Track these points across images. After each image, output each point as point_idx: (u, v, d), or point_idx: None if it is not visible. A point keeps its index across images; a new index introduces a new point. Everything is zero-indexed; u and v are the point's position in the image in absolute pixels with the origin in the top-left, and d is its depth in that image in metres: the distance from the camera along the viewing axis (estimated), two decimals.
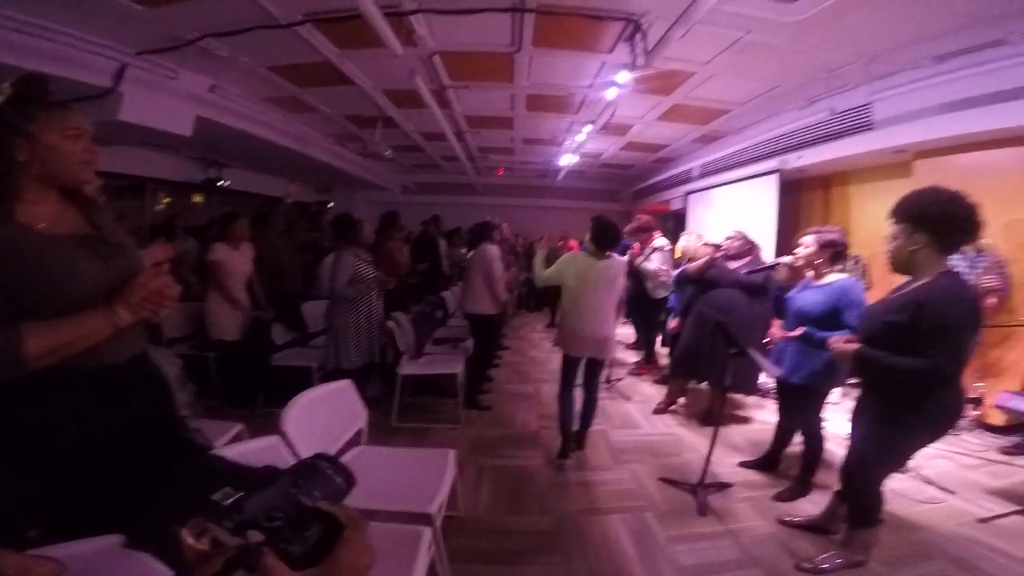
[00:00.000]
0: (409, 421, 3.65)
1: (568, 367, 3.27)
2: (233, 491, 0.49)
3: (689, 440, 3.57)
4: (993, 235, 3.70)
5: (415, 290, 5.27)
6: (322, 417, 2.01)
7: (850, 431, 2.19)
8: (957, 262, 3.58)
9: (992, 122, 3.77)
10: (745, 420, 4.02)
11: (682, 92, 5.34)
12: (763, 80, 4.91)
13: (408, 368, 3.72)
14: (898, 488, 2.90)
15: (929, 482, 3.03)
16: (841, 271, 2.67)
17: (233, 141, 6.12)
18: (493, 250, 4.03)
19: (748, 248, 3.80)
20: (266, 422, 1.77)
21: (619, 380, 4.82)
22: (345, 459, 2.10)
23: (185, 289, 1.33)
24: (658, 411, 4.08)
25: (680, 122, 6.62)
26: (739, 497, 2.79)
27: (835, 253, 2.65)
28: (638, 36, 3.78)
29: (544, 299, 8.30)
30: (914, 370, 1.81)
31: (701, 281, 3.77)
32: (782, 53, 4.15)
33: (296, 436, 1.71)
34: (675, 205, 9.40)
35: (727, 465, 3.16)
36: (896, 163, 4.89)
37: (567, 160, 8.68)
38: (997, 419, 3.72)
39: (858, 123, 4.87)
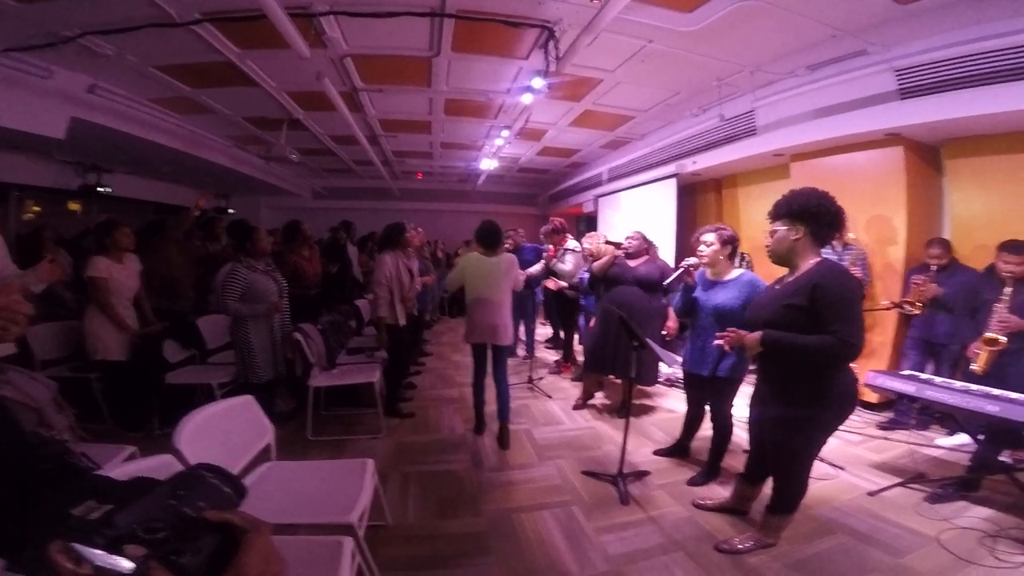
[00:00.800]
0: (326, 434, 3.51)
1: (476, 356, 3.65)
2: (98, 504, 0.45)
3: (607, 433, 3.71)
4: (857, 230, 4.23)
5: (325, 299, 5.09)
6: (221, 433, 1.88)
7: (753, 421, 2.36)
8: (827, 254, 4.03)
9: (854, 127, 4.22)
10: (653, 409, 4.26)
11: (591, 99, 5.57)
12: (663, 88, 5.22)
13: (319, 380, 3.58)
14: None
15: (821, 459, 3.23)
16: (739, 266, 2.91)
17: (115, 144, 5.58)
18: (387, 259, 3.93)
19: (646, 247, 4.04)
20: (164, 444, 1.63)
21: (540, 379, 4.93)
22: (253, 477, 2.02)
23: (60, 307, 1.19)
24: (577, 407, 4.23)
25: (590, 128, 6.91)
26: (656, 484, 2.95)
27: (733, 249, 2.87)
28: (551, 43, 3.89)
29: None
30: (825, 346, 1.96)
31: (605, 279, 3.96)
32: (680, 62, 4.43)
33: (192, 454, 1.58)
34: (587, 208, 9.75)
35: (643, 454, 3.34)
36: (775, 166, 5.39)
37: (487, 164, 8.73)
38: (872, 397, 4.17)
39: (743, 129, 5.31)
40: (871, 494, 2.91)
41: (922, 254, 3.91)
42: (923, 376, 3.10)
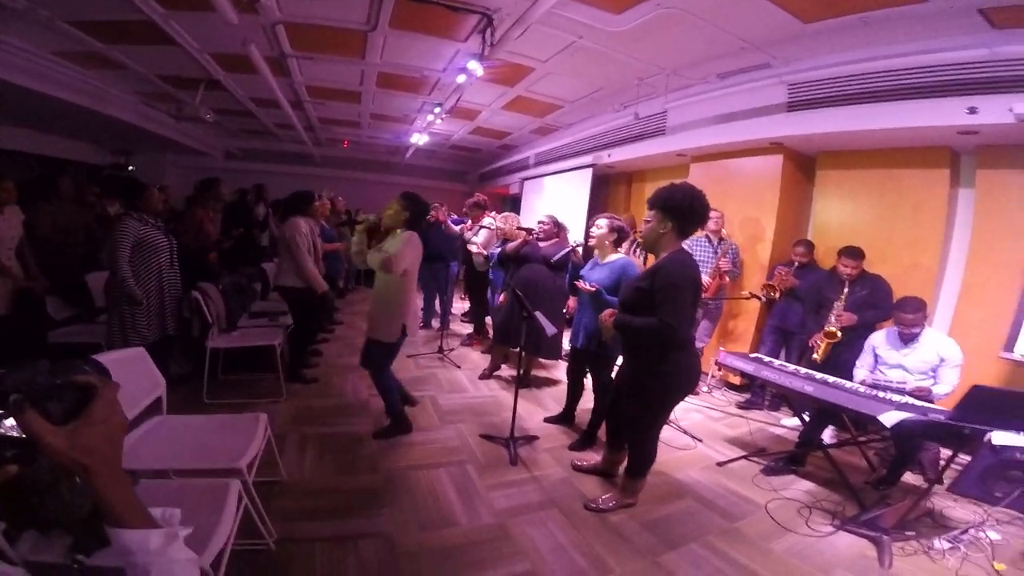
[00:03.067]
0: (223, 398, 3.45)
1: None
2: None
3: (509, 401, 3.83)
4: (732, 227, 4.75)
5: (227, 260, 4.95)
6: None
7: (618, 394, 2.65)
8: (704, 246, 4.54)
9: (746, 134, 4.70)
10: (555, 382, 4.58)
11: (524, 85, 5.77)
12: (589, 82, 5.49)
13: (218, 341, 3.54)
14: (663, 436, 3.46)
15: (684, 431, 3.74)
16: (625, 252, 3.23)
17: (2, 95, 5.14)
18: (300, 224, 3.92)
19: (556, 231, 4.31)
20: None
21: (452, 350, 5.13)
22: (141, 430, 2.08)
23: None
24: (483, 376, 4.49)
25: (521, 113, 7.11)
26: (543, 448, 3.25)
27: (619, 237, 3.18)
28: (489, 29, 4.04)
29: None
30: (650, 327, 2.21)
31: (517, 259, 4.20)
32: (606, 59, 4.67)
33: None
34: (514, 189, 10.00)
35: (536, 421, 3.66)
36: (678, 165, 5.84)
37: (417, 139, 8.75)
38: (736, 379, 4.73)
39: (655, 128, 5.70)
40: (719, 464, 3.30)
41: (786, 253, 4.48)
42: (765, 359, 3.52)
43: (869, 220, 4.36)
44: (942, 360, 3.08)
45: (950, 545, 2.55)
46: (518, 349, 3.37)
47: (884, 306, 3.52)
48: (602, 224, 3.20)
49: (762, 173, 4.84)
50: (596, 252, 3.27)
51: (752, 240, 4.89)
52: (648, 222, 2.40)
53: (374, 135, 9.77)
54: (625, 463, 2.70)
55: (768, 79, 4.44)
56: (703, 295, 4.24)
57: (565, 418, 3.65)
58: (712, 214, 4.41)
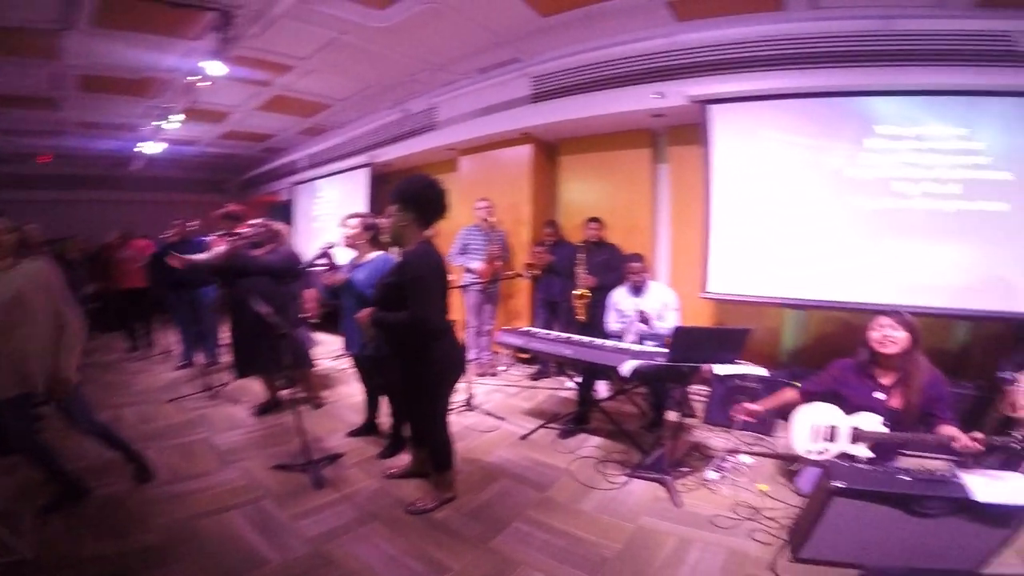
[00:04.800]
0: None
1: None
2: None
3: (293, 427, 3.58)
4: (500, 214, 5.21)
5: None
6: None
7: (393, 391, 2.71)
8: (477, 235, 4.92)
9: (501, 126, 5.23)
10: (347, 393, 4.45)
11: (283, 84, 5.55)
12: (358, 79, 5.50)
13: None
14: (468, 424, 3.77)
15: (488, 414, 3.96)
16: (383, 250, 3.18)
17: None
18: None
19: (272, 233, 3.92)
20: None
21: (225, 385, 4.55)
22: None
23: None
24: (263, 408, 4.03)
25: (284, 113, 6.85)
26: (351, 464, 3.14)
27: (375, 235, 3.19)
28: (228, 27, 3.77)
29: (128, 314, 6.49)
30: (404, 321, 2.26)
31: (229, 271, 3.77)
32: (374, 56, 4.73)
33: None
34: (285, 196, 9.53)
35: (338, 438, 3.53)
36: (448, 159, 6.20)
37: (148, 147, 7.73)
38: (526, 353, 5.12)
39: (426, 124, 5.99)
40: (522, 438, 3.52)
41: (542, 233, 5.12)
42: (534, 331, 3.90)
43: (600, 196, 5.29)
44: (665, 305, 3.89)
45: (717, 474, 2.93)
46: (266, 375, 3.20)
47: (619, 268, 4.25)
48: (353, 223, 3.20)
49: (517, 162, 5.46)
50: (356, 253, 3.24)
51: (516, 224, 5.47)
52: (391, 215, 2.42)
53: (86, 146, 8.29)
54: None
55: (517, 73, 4.99)
56: (481, 281, 4.64)
57: (369, 428, 3.58)
58: (480, 204, 4.85)
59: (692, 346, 2.79)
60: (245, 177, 11.23)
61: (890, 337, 2.55)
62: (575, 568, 2.19)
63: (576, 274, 4.59)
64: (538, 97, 5.00)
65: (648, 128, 4.94)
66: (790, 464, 2.99)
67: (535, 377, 5.07)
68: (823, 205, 3.86)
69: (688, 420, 3.89)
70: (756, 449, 3.38)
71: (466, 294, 5.01)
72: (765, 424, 3.57)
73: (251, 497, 2.77)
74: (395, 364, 2.56)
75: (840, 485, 1.97)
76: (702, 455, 3.25)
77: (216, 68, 4.20)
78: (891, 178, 3.63)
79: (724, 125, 4.11)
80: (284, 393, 4.14)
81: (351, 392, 4.51)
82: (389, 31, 4.24)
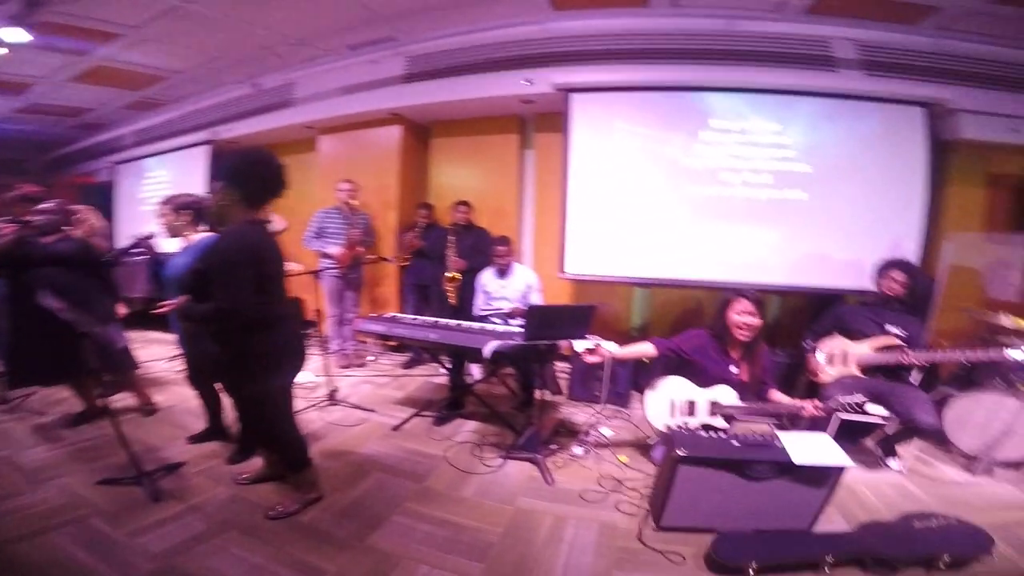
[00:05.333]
0: None
1: None
2: None
3: (129, 434, 3.05)
4: (366, 197, 5.09)
5: None
6: None
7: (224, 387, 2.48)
8: (336, 218, 4.70)
9: (368, 105, 5.08)
10: (181, 395, 3.91)
11: (106, 54, 4.93)
12: (203, 51, 5.05)
13: None
14: (333, 419, 3.59)
15: (355, 407, 3.79)
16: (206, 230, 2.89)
17: None
18: None
19: (65, 217, 3.37)
20: None
21: (29, 395, 3.85)
22: None
23: None
24: (79, 419, 3.48)
25: (106, 85, 6.11)
26: (195, 472, 2.84)
27: (195, 214, 2.88)
28: None
29: None
30: (211, 313, 2.05)
31: (11, 264, 3.20)
32: (223, 27, 4.37)
33: None
34: (103, 176, 8.48)
35: (178, 446, 3.16)
36: (307, 138, 5.88)
37: None
38: (390, 340, 5.06)
39: (281, 100, 5.63)
40: (395, 428, 3.43)
41: (413, 216, 5.06)
42: (399, 317, 3.82)
43: (470, 180, 5.37)
44: (528, 287, 4.07)
45: (582, 449, 3.09)
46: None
47: (487, 251, 4.35)
48: (165, 209, 2.88)
49: (386, 143, 5.33)
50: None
51: (384, 207, 5.34)
52: (213, 194, 2.19)
53: None
54: None
55: (391, 52, 4.87)
56: (339, 266, 4.44)
57: (215, 432, 3.21)
58: (342, 185, 4.64)
59: (545, 324, 2.89)
60: (52, 156, 9.72)
61: (751, 324, 2.87)
62: (460, 556, 2.18)
63: (447, 257, 4.60)
64: (411, 78, 4.92)
65: (518, 114, 5.10)
66: (648, 438, 3.24)
67: (408, 365, 5.00)
68: (663, 192, 4.30)
69: (555, 398, 4.10)
70: (617, 422, 3.65)
71: (323, 281, 4.71)
72: (622, 397, 3.92)
73: (75, 516, 2.41)
74: (218, 357, 2.28)
75: (683, 453, 2.21)
76: (568, 431, 3.38)
77: (16, 35, 3.66)
78: (719, 168, 4.18)
79: (582, 114, 4.38)
80: (106, 401, 3.44)
81: (192, 395, 3.96)
82: (243, 1, 3.95)
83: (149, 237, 2.87)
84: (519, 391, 3.91)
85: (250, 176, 2.12)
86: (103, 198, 7.68)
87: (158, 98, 6.72)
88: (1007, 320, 3.28)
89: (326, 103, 5.38)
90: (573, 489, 2.72)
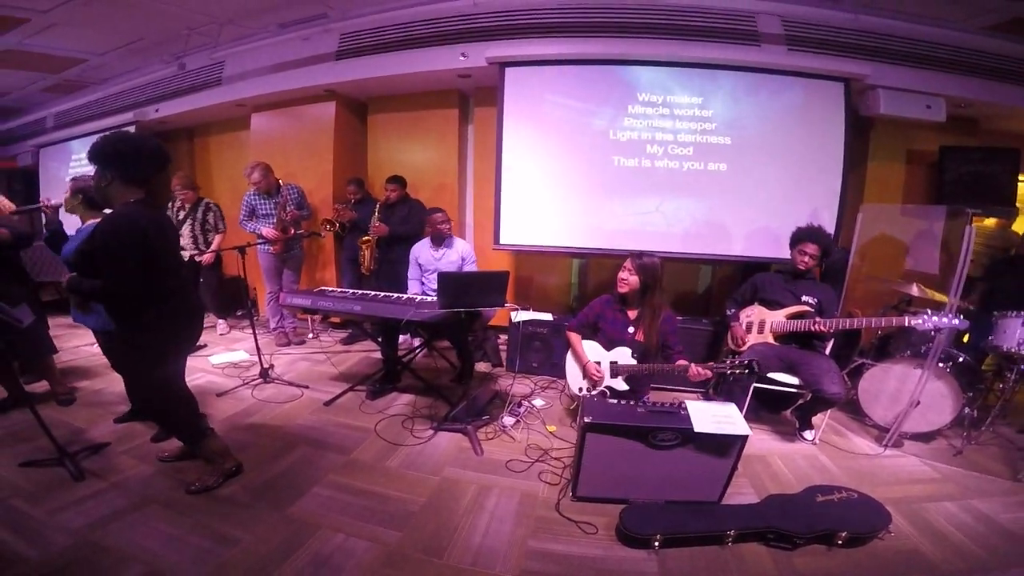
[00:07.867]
0: None
1: None
2: None
3: (52, 417, 3.20)
4: (300, 172, 5.21)
5: None
6: None
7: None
8: (263, 201, 4.74)
9: (300, 82, 5.08)
10: (113, 379, 3.87)
11: (16, 38, 4.88)
12: (121, 33, 5.02)
13: None
14: (265, 396, 3.66)
15: (289, 383, 3.87)
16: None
17: None
18: None
19: None
20: None
21: None
22: None
23: None
24: (8, 403, 3.42)
25: (19, 69, 6.04)
26: (120, 451, 2.90)
27: (85, 198, 2.89)
28: None
29: None
30: (96, 288, 2.14)
31: None
32: (142, 9, 4.37)
33: None
34: (24, 161, 8.34)
35: (105, 426, 3.22)
36: (239, 116, 5.89)
37: None
38: (336, 318, 5.25)
39: (211, 79, 5.57)
40: (327, 404, 3.52)
41: (345, 191, 5.09)
42: (327, 291, 3.80)
43: (410, 155, 5.43)
44: (463, 259, 4.19)
45: (513, 420, 3.21)
46: None
47: (418, 220, 4.46)
48: (67, 188, 2.92)
49: (320, 119, 5.35)
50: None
51: (319, 183, 5.39)
52: (94, 178, 2.27)
53: None
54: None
55: (323, 29, 4.88)
56: (272, 243, 4.50)
57: (137, 412, 3.26)
58: (247, 170, 4.65)
59: (459, 292, 2.99)
60: None
61: (624, 280, 3.10)
62: (379, 525, 2.27)
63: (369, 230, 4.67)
64: (344, 54, 4.92)
65: (457, 89, 5.16)
66: (573, 404, 3.40)
67: (347, 341, 5.08)
68: (593, 164, 4.46)
69: (495, 370, 4.26)
70: (551, 392, 3.84)
71: (260, 259, 4.84)
72: (558, 368, 4.00)
73: None
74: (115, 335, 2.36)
75: (589, 420, 2.29)
76: (503, 402, 3.51)
77: None
78: (645, 141, 4.34)
79: (515, 87, 4.47)
80: (25, 386, 3.55)
81: (118, 378, 3.98)
82: None
83: (47, 203, 2.88)
84: (458, 363, 4.04)
85: (120, 157, 2.18)
86: (27, 182, 7.66)
87: (79, 80, 6.59)
88: (916, 290, 3.46)
89: (257, 81, 5.34)
90: (500, 459, 2.84)
